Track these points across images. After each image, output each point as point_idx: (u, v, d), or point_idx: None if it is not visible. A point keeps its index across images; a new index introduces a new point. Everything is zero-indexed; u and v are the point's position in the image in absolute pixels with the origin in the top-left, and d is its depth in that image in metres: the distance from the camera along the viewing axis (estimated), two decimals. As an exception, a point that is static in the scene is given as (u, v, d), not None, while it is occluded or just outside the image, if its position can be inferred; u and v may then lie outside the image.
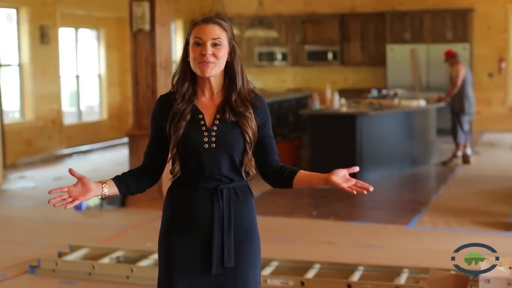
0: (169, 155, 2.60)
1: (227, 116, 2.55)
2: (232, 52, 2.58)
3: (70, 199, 2.45)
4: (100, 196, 2.55)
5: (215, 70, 2.54)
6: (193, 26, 2.57)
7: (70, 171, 2.48)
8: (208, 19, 2.56)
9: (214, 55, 2.51)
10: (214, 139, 2.54)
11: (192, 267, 2.55)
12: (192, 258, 2.55)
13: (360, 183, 2.44)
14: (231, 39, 2.58)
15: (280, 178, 2.63)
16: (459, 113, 9.52)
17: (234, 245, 2.54)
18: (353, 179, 2.45)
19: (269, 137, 2.65)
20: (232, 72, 2.58)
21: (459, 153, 9.65)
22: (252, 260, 2.61)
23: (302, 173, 2.60)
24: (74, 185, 2.49)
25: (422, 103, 9.53)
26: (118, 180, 2.61)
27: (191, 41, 2.54)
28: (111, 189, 2.57)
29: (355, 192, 2.44)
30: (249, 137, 2.56)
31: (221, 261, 2.53)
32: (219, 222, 2.54)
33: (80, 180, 2.50)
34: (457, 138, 9.61)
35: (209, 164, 2.53)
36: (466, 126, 9.60)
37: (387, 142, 9.05)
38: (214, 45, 2.52)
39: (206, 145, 2.53)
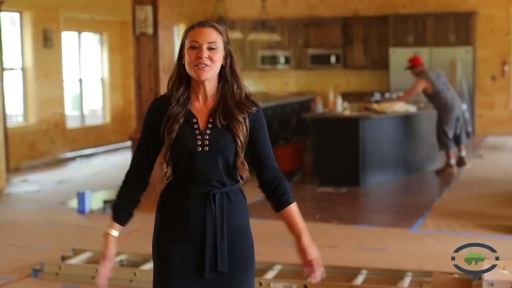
0: (160, 159, 2.61)
1: (218, 120, 2.55)
2: (227, 57, 2.58)
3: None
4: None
5: (210, 74, 2.54)
6: (189, 29, 2.57)
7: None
8: (204, 23, 2.56)
9: (210, 58, 2.52)
10: (208, 142, 2.54)
11: (185, 273, 2.55)
12: (186, 264, 2.56)
13: (314, 269, 2.60)
14: (227, 43, 2.58)
15: (271, 200, 2.65)
16: (442, 123, 9.29)
17: (228, 248, 2.55)
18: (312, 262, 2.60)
19: (263, 143, 2.63)
20: (227, 77, 2.59)
21: (452, 162, 9.34)
22: (246, 264, 2.61)
23: (288, 215, 2.64)
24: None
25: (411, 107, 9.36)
26: (123, 221, 2.65)
27: (187, 44, 2.54)
28: (120, 232, 2.67)
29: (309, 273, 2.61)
30: (240, 141, 2.55)
31: (214, 266, 2.53)
32: (212, 227, 2.53)
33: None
34: (444, 147, 9.30)
35: (202, 167, 2.53)
36: (451, 133, 9.31)
37: (390, 145, 9.04)
38: (210, 48, 2.52)
39: (200, 148, 2.53)
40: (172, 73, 2.63)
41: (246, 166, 2.59)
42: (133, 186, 2.64)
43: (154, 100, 2.67)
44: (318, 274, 2.61)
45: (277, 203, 2.65)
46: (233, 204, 2.58)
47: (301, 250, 2.59)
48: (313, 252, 2.59)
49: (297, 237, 2.60)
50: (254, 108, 2.60)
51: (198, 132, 2.55)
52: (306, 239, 2.60)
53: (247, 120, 2.57)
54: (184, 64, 2.56)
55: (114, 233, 2.61)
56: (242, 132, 2.56)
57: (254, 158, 2.63)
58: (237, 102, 2.57)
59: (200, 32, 2.53)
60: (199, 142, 2.54)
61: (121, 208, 2.63)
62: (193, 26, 2.57)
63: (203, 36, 2.52)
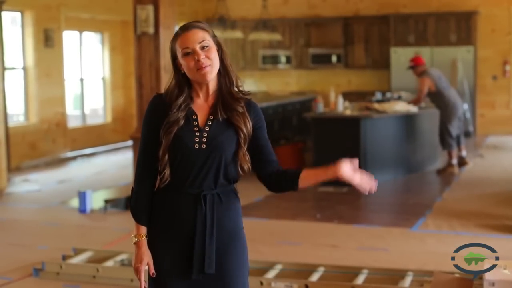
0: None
1: (220, 113, 2.54)
2: (218, 49, 2.57)
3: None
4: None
5: (213, 73, 2.54)
6: (175, 38, 2.56)
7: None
8: (186, 27, 2.55)
9: (207, 57, 2.51)
10: (205, 139, 2.52)
11: (176, 273, 2.56)
12: (176, 264, 2.55)
13: (366, 178, 2.50)
14: (214, 37, 2.57)
15: (284, 180, 2.57)
16: (446, 122, 9.27)
17: (219, 250, 2.53)
18: (359, 170, 2.51)
19: (265, 140, 2.63)
20: (222, 69, 2.58)
21: (454, 161, 9.34)
22: (238, 265, 2.58)
23: (307, 171, 2.57)
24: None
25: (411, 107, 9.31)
26: (146, 221, 2.62)
27: (180, 53, 2.53)
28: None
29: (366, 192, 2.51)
30: (243, 133, 2.54)
31: (202, 267, 2.52)
32: (202, 228, 2.52)
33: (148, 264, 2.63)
34: (447, 147, 9.31)
35: (197, 165, 2.51)
36: (454, 132, 9.29)
37: (391, 145, 9.04)
38: (203, 48, 2.51)
39: (197, 145, 2.51)
40: (169, 84, 2.61)
41: (248, 158, 2.57)
42: (145, 186, 2.61)
43: (155, 96, 2.64)
44: (370, 184, 2.50)
45: (293, 176, 2.56)
46: (224, 205, 2.56)
47: (349, 176, 2.48)
48: (350, 166, 2.49)
49: (333, 173, 2.49)
50: (246, 97, 2.59)
51: (197, 129, 2.54)
52: (336, 168, 2.49)
53: (247, 112, 2.57)
54: (182, 73, 2.56)
55: (144, 236, 2.60)
56: (245, 124, 2.55)
57: (256, 155, 2.60)
58: (230, 93, 2.57)
59: (187, 36, 2.52)
60: (197, 139, 2.52)
61: (139, 211, 2.61)
62: (177, 34, 2.55)
63: (191, 39, 2.51)
